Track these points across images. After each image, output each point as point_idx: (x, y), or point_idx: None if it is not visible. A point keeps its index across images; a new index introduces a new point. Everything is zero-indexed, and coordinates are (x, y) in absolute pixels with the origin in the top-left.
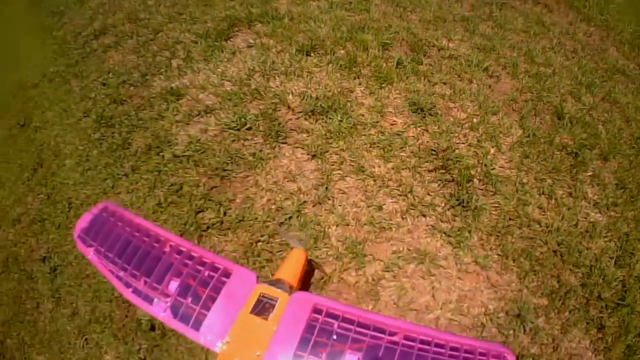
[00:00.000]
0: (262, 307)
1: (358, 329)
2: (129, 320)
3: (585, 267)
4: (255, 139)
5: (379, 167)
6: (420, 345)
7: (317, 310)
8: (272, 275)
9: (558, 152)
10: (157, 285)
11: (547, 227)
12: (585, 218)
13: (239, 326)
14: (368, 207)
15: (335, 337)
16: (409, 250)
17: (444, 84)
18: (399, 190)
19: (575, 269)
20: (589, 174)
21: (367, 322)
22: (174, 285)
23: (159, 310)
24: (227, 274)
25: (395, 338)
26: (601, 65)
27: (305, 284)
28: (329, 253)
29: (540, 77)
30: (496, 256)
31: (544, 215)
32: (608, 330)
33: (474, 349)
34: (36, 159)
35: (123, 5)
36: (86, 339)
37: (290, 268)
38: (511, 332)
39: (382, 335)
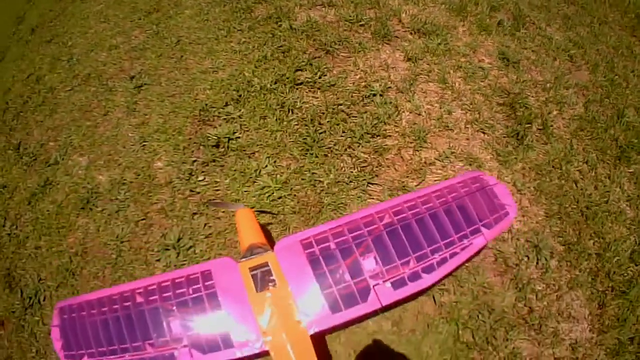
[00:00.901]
0: (262, 279)
1: (352, 234)
2: (198, 135)
3: (605, 241)
4: (365, 34)
5: (459, 84)
6: (411, 212)
7: (306, 245)
8: (242, 250)
9: (609, 140)
10: (165, 338)
11: (581, 189)
12: (616, 202)
13: (260, 311)
14: (440, 108)
15: (338, 251)
16: (462, 151)
17: (532, 51)
18: (469, 106)
19: (595, 237)
20: (630, 170)
21: (355, 224)
22: (176, 326)
23: (187, 358)
24: (209, 276)
25: (386, 220)
26: None
27: (268, 239)
28: (395, 130)
29: (614, 83)
30: (532, 188)
31: (582, 178)
32: (607, 312)
33: (454, 187)
34: (153, 5)
35: None
36: (144, 145)
37: (249, 229)
38: (525, 258)
39: (376, 225)
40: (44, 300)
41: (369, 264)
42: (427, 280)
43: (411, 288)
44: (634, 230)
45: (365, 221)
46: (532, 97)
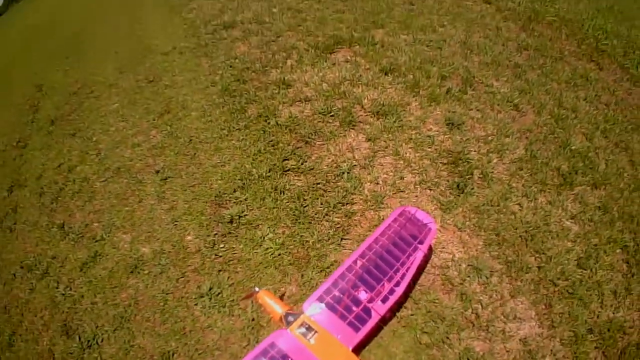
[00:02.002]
0: (307, 332)
1: (344, 280)
2: (216, 215)
3: (546, 256)
4: (335, 123)
5: (410, 154)
6: (372, 253)
7: (321, 299)
8: (275, 320)
9: (550, 172)
10: None
11: (520, 219)
12: (558, 222)
13: (320, 353)
14: (394, 176)
15: (341, 295)
16: (412, 206)
17: (477, 110)
18: (417, 170)
19: (535, 254)
20: (573, 192)
21: (343, 274)
22: None
23: None
24: (274, 345)
25: (359, 263)
26: (629, 119)
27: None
28: (360, 197)
29: (560, 118)
30: (472, 226)
31: (520, 209)
32: (555, 311)
33: (391, 225)
34: (164, 107)
35: (250, 7)
36: (176, 224)
37: (275, 304)
38: (467, 278)
39: (355, 269)
40: (101, 341)
41: (362, 295)
42: (399, 291)
43: (392, 299)
44: (580, 241)
45: (348, 270)
46: (474, 151)
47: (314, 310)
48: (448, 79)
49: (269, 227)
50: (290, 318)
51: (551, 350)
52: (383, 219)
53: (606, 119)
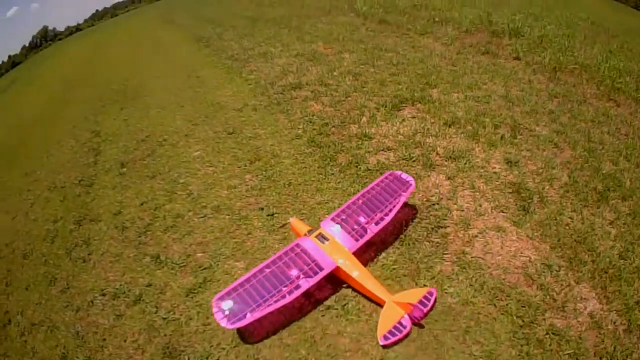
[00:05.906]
0: (321, 239)
1: (350, 210)
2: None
3: (596, 252)
4: (417, 166)
5: (483, 187)
6: (369, 195)
7: (334, 220)
8: (301, 235)
9: (589, 191)
10: (291, 279)
11: (573, 228)
12: (601, 228)
13: (328, 251)
14: (474, 204)
15: (347, 218)
16: (492, 226)
17: (527, 150)
18: (491, 199)
19: (588, 252)
20: (609, 205)
21: (350, 206)
22: (294, 272)
23: (306, 283)
24: (300, 246)
25: (360, 200)
26: None
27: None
28: (451, 222)
29: (591, 150)
30: (539, 236)
31: (572, 221)
32: (608, 290)
33: (383, 180)
34: (253, 155)
35: (310, 71)
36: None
37: (301, 226)
38: (543, 273)
39: (357, 204)
40: (217, 359)
41: (362, 219)
42: (386, 220)
43: (382, 224)
44: (618, 240)
45: (353, 203)
46: (531, 182)
47: (328, 226)
48: (499, 127)
49: (380, 250)
50: (312, 231)
51: (611, 320)
52: (472, 235)
53: (626, 146)
